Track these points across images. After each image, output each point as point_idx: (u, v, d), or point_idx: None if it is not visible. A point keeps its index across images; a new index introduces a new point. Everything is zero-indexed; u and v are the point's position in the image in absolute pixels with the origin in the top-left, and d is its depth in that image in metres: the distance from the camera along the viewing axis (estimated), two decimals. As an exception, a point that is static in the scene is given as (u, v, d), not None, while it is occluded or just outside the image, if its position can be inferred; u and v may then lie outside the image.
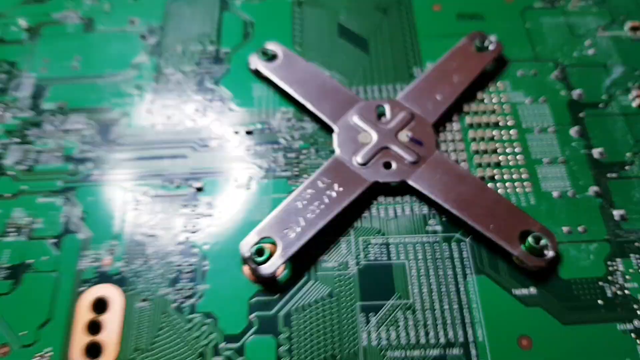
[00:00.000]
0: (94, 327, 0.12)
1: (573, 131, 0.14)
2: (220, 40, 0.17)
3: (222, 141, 0.15)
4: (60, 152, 0.15)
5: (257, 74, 0.16)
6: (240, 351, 0.12)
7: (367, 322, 0.12)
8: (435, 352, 0.11)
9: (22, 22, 0.18)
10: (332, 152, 0.14)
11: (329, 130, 0.15)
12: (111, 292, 0.13)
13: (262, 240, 0.12)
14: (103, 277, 0.13)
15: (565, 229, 0.13)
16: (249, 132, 0.15)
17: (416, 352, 0.11)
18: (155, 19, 0.17)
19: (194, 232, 0.13)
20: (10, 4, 0.19)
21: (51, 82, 0.16)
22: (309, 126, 0.15)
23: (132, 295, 0.12)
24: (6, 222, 0.14)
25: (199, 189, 0.14)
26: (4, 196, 0.14)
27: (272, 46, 0.16)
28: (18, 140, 0.15)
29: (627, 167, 0.14)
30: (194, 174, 0.14)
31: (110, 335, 0.12)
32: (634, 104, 0.15)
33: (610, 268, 0.12)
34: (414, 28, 0.17)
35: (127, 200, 0.14)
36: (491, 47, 0.15)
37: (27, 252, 0.13)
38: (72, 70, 0.17)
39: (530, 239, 0.12)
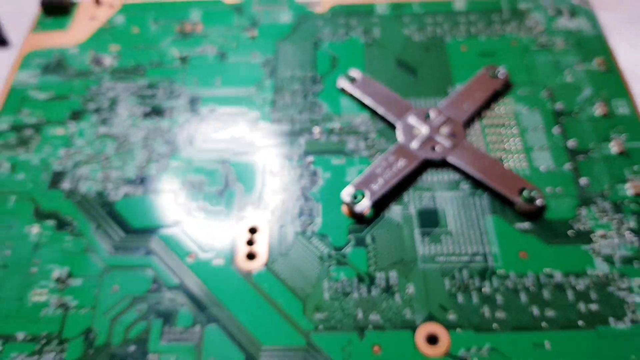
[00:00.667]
0: (250, 242, 0.20)
1: (555, 130, 0.22)
2: (316, 68, 0.25)
3: (324, 134, 0.22)
4: (215, 139, 0.23)
5: (343, 91, 0.23)
6: (343, 256, 0.19)
7: (422, 240, 0.19)
8: (465, 258, 0.18)
9: (175, 52, 0.26)
10: (396, 140, 0.21)
11: (393, 127, 0.22)
12: (260, 221, 0.20)
13: (356, 191, 0.20)
14: (256, 213, 0.20)
15: (548, 189, 0.20)
16: (340, 128, 0.22)
17: (453, 257, 0.18)
18: (270, 53, 0.25)
19: (310, 188, 0.20)
20: (164, 39, 0.27)
21: (202, 94, 0.24)
22: (380, 124, 0.22)
23: (273, 223, 0.20)
24: (183, 182, 0.21)
25: (311, 162, 0.21)
26: (179, 167, 0.22)
27: (353, 72, 0.24)
28: (185, 131, 0.23)
29: (589, 152, 0.21)
30: (307, 153, 0.21)
31: (261, 246, 0.19)
32: (596, 113, 0.22)
33: (578, 213, 0.19)
34: (448, 61, 0.24)
35: (264, 168, 0.21)
36: (501, 76, 0.23)
37: (202, 199, 0.21)
38: (216, 86, 0.25)
39: (525, 193, 0.19)
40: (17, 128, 0.23)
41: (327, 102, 0.23)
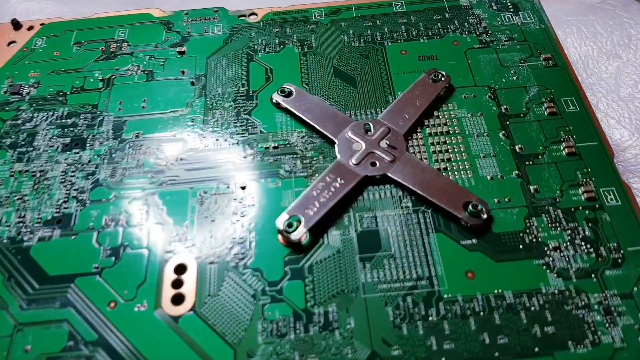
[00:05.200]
0: (177, 284, 0.18)
1: (501, 134, 0.20)
2: (249, 83, 0.23)
3: (257, 154, 0.20)
4: (140, 167, 0.21)
5: (277, 106, 0.22)
6: (279, 291, 0.17)
7: (364, 267, 0.17)
8: (409, 283, 0.17)
9: (97, 75, 0.24)
10: (335, 157, 0.20)
11: (331, 143, 0.20)
12: (188, 259, 0.18)
13: (291, 217, 0.18)
14: (181, 249, 0.18)
15: (496, 199, 0.18)
16: (275, 147, 0.21)
17: (397, 284, 0.17)
18: (200, 70, 0.24)
19: (242, 216, 0.19)
20: (86, 61, 0.25)
21: (127, 118, 0.22)
22: (317, 141, 0.21)
23: (203, 260, 0.18)
24: (105, 218, 0.19)
25: (243, 188, 0.20)
26: (101, 201, 0.20)
27: (287, 86, 0.22)
28: (106, 161, 0.21)
29: (539, 157, 0.20)
30: (239, 177, 0.20)
31: (189, 288, 0.17)
32: (546, 113, 0.21)
33: (528, 224, 0.18)
34: (388, 68, 0.23)
35: (194, 197, 0.19)
36: (442, 79, 0.22)
37: (123, 238, 0.19)
38: (142, 109, 0.23)
39: (470, 207, 0.18)
40: None
41: (261, 119, 0.22)
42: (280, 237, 0.18)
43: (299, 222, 0.18)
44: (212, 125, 0.22)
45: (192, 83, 0.23)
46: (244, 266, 0.18)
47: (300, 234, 0.18)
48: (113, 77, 0.24)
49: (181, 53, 0.24)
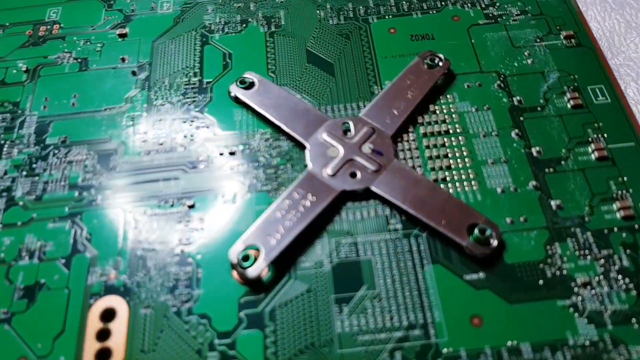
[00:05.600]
0: (104, 335, 0.14)
1: (514, 133, 0.16)
2: (203, 71, 0.19)
3: (209, 163, 0.16)
4: (65, 181, 0.17)
5: (236, 100, 0.18)
6: (232, 345, 0.13)
7: (341, 311, 0.13)
8: (399, 333, 0.13)
9: (21, 65, 0.20)
10: (306, 166, 0.16)
11: (302, 147, 0.16)
12: (117, 303, 0.14)
13: (248, 247, 0.14)
14: (109, 290, 0.14)
15: (508, 219, 0.15)
16: (232, 153, 0.17)
17: (383, 335, 0.13)
18: (144, 56, 0.19)
19: (188, 244, 0.15)
20: (9, 49, 0.20)
21: (53, 118, 0.18)
22: (285, 144, 0.17)
23: (136, 303, 0.14)
24: (19, 247, 0.15)
25: (191, 206, 0.16)
26: (16, 224, 0.16)
27: (249, 75, 0.18)
28: (25, 173, 0.17)
29: (562, 162, 0.16)
30: (185, 193, 0.16)
31: (117, 340, 0.14)
32: (569, 105, 0.17)
33: (549, 252, 0.14)
34: (374, 50, 0.19)
35: (128, 220, 0.15)
36: (440, 64, 0.17)
37: (40, 273, 0.15)
38: (71, 107, 0.19)
39: (476, 231, 0.14)
40: None
41: (216, 117, 0.17)
42: (234, 272, 0.14)
43: (258, 252, 0.14)
44: (155, 125, 0.17)
45: (134, 73, 0.19)
46: (187, 311, 0.14)
47: (259, 269, 0.14)
48: (40, 67, 0.19)
49: (122, 36, 0.20)
